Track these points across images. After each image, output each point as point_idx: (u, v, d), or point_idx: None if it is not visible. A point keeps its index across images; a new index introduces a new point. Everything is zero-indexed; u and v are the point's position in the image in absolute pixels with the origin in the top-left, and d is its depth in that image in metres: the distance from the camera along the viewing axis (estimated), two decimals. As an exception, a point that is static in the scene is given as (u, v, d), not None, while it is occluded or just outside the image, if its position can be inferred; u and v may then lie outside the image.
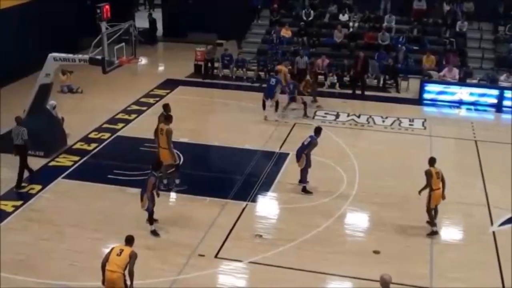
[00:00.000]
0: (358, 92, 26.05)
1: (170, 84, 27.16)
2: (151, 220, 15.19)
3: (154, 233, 15.19)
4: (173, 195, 17.42)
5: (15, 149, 17.55)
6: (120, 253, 11.64)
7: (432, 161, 15.36)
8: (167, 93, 25.86)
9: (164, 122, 17.04)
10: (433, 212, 15.28)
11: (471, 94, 25.60)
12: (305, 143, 17.38)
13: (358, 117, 23.45)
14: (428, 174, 14.99)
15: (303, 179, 17.45)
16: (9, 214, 15.95)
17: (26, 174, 17.73)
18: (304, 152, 17.20)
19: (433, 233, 15.23)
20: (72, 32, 30.27)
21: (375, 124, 22.80)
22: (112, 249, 11.87)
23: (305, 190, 17.42)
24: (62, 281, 13.17)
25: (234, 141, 20.97)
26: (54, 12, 28.72)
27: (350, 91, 26.32)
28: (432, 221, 15.30)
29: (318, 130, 17.66)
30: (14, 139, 17.48)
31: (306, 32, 30.84)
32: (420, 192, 15.25)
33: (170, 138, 16.75)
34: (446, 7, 31.36)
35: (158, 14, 39.51)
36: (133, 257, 11.64)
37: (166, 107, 18.09)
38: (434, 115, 24.47)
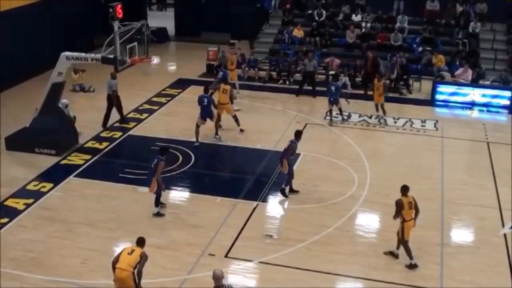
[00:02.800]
0: (370, 92, 26.00)
1: (182, 84, 27.22)
2: (157, 202, 15.75)
3: (158, 214, 15.76)
4: (183, 194, 17.48)
5: (107, 98, 21.80)
6: (131, 252, 11.80)
7: (404, 190, 13.83)
8: (179, 93, 25.93)
9: (224, 83, 21.67)
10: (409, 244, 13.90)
11: (484, 95, 25.51)
12: (286, 147, 17.15)
13: (370, 117, 23.39)
14: (399, 205, 13.66)
15: (286, 183, 17.22)
16: (20, 212, 16.04)
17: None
18: (285, 156, 16.95)
19: (412, 266, 13.86)
20: (85, 31, 30.43)
21: (386, 125, 22.72)
22: (123, 249, 12.01)
23: (283, 192, 17.15)
24: (74, 279, 13.24)
25: (246, 141, 20.99)
26: (68, 11, 28.84)
27: (362, 92, 26.28)
28: (409, 254, 13.89)
29: (298, 134, 17.27)
30: (107, 89, 21.81)
31: (318, 32, 30.84)
32: (394, 218, 13.89)
33: (232, 95, 21.66)
34: (459, 8, 31.24)
35: (170, 13, 39.69)
36: (143, 257, 11.76)
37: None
38: (446, 116, 24.39)
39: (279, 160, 17.25)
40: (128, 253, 11.77)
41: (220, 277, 10.88)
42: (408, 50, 29.41)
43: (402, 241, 13.86)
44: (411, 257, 13.88)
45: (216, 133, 21.00)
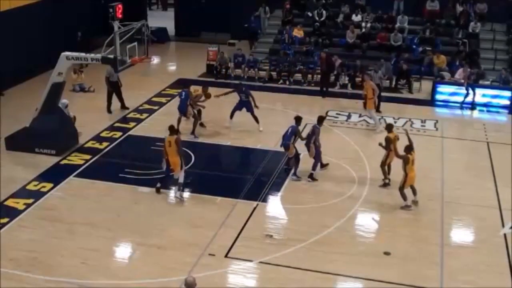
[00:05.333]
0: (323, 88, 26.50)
1: (182, 84, 27.09)
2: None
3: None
4: (183, 194, 17.48)
5: (111, 84, 23.37)
6: (170, 144, 16.30)
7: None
8: (179, 93, 25.86)
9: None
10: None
11: (484, 95, 25.50)
12: (309, 132, 18.30)
13: (370, 117, 23.37)
14: (404, 159, 16.37)
15: (314, 166, 18.20)
16: (20, 212, 16.02)
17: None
18: (312, 142, 18.12)
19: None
20: (85, 31, 30.44)
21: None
22: (164, 144, 16.45)
23: (312, 177, 18.12)
24: (74, 279, 13.22)
25: (246, 141, 20.99)
26: (68, 11, 28.85)
27: (362, 92, 26.31)
28: (404, 198, 16.41)
29: (321, 119, 18.59)
30: (111, 77, 23.07)
31: (321, 32, 30.83)
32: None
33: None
34: (459, 8, 31.25)
35: (170, 13, 39.69)
36: (178, 142, 16.34)
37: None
38: (446, 116, 24.40)
39: (306, 146, 18.25)
40: (169, 146, 16.28)
41: (193, 284, 10.77)
42: (408, 50, 29.47)
43: (401, 188, 16.43)
44: (404, 198, 16.39)
45: (192, 132, 21.10)
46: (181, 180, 16.58)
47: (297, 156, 18.15)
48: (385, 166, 17.76)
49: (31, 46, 26.49)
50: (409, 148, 16.19)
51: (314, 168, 18.12)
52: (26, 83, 26.33)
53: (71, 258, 14.00)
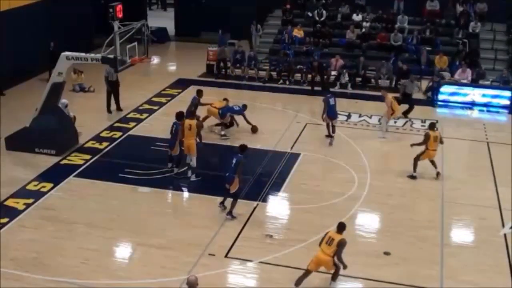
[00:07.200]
0: (318, 88, 26.32)
1: (182, 84, 27.20)
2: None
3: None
4: (183, 194, 17.49)
5: (110, 84, 23.34)
6: (190, 128, 17.17)
7: (432, 126, 18.67)
8: (179, 93, 25.91)
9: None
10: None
11: (484, 95, 25.51)
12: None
13: (370, 117, 23.38)
14: (426, 136, 18.09)
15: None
16: (20, 212, 16.01)
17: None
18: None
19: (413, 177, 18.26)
20: (85, 31, 30.41)
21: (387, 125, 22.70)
22: (182, 126, 17.28)
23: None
24: (74, 279, 13.22)
25: (246, 141, 20.88)
26: (68, 11, 28.82)
27: (362, 92, 26.39)
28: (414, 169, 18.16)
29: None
30: (110, 77, 23.09)
31: (321, 33, 30.81)
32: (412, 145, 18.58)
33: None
34: (459, 8, 31.25)
35: (170, 13, 39.68)
36: (199, 127, 17.76)
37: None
38: (446, 116, 24.39)
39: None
40: (189, 129, 17.26)
41: (194, 283, 10.76)
42: (407, 50, 29.49)
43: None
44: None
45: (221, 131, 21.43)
46: (194, 164, 17.76)
47: (237, 194, 16.04)
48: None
49: (31, 46, 26.46)
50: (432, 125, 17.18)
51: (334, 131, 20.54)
52: (26, 83, 26.34)
53: (71, 258, 14.01)
